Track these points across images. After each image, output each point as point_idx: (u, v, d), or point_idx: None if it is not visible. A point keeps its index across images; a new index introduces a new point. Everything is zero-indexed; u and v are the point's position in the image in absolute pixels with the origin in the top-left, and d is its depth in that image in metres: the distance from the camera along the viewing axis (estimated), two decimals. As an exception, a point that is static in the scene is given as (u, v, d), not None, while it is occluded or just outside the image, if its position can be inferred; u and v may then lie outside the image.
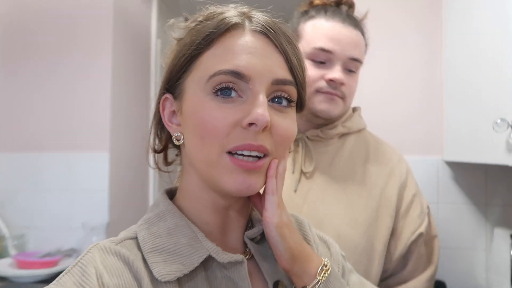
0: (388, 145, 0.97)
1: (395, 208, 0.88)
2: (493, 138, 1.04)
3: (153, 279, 0.47)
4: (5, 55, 1.80)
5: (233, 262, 0.49)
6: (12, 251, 1.70)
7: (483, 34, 1.19)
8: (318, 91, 0.86)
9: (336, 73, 0.85)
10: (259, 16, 0.50)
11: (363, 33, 0.90)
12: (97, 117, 1.77)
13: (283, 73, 0.49)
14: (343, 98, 0.88)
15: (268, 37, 0.49)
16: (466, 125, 1.31)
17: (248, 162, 0.47)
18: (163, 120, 0.54)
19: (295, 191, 0.87)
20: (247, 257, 0.54)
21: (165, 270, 0.46)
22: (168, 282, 0.46)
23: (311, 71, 0.86)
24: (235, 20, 0.49)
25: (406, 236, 0.88)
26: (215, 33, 0.48)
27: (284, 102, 0.50)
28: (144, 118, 2.22)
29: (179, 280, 0.47)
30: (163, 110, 0.53)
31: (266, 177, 0.49)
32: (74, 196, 1.74)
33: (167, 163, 0.59)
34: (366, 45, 0.92)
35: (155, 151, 0.57)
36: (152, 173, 2.26)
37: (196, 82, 0.49)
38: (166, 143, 0.57)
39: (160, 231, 0.50)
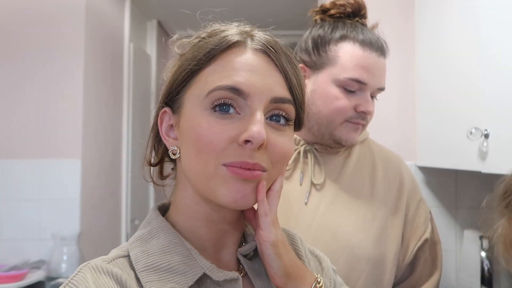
0: (391, 152, 0.98)
1: (403, 216, 0.89)
2: (466, 146, 1.08)
3: None
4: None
5: (228, 280, 0.49)
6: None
7: (453, 46, 1.24)
8: (348, 120, 0.84)
9: (370, 106, 0.83)
10: (260, 35, 0.51)
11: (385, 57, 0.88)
12: (68, 123, 1.71)
13: (282, 91, 0.49)
14: (365, 126, 0.88)
15: (268, 56, 0.50)
16: (438, 133, 1.36)
17: (245, 170, 0.46)
18: (160, 133, 0.53)
19: (306, 203, 0.85)
20: (242, 274, 0.53)
21: None
22: None
23: (342, 100, 0.82)
24: (236, 38, 0.50)
25: (413, 243, 0.89)
26: (216, 50, 0.49)
27: (282, 121, 0.50)
28: (116, 125, 2.17)
29: None
30: (161, 123, 0.53)
31: (257, 200, 0.49)
32: (44, 205, 1.68)
33: (162, 177, 0.58)
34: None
35: (151, 165, 0.57)
36: (124, 182, 2.21)
37: (195, 97, 0.49)
38: (162, 156, 0.56)
39: (153, 249, 0.49)
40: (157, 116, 0.54)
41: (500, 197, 0.61)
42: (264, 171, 0.48)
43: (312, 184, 0.87)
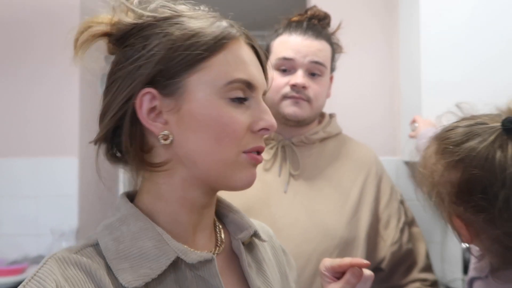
0: (363, 146, 1.08)
1: (374, 201, 0.99)
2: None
3: (119, 286, 0.45)
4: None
5: (202, 261, 0.49)
6: (-24, 260, 1.65)
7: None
8: (285, 96, 0.95)
9: (297, 78, 0.94)
10: (243, 30, 0.53)
11: (328, 41, 0.99)
12: (65, 122, 1.75)
13: (266, 83, 0.55)
14: (308, 101, 0.96)
15: (255, 50, 0.54)
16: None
17: (258, 155, 0.52)
18: (139, 115, 0.48)
19: (285, 192, 0.95)
20: (216, 253, 0.54)
21: (132, 277, 0.45)
22: None
23: (277, 79, 0.95)
24: (233, 31, 0.51)
25: (393, 225, 0.98)
26: (226, 38, 0.49)
27: None
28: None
29: (147, 285, 0.46)
30: (141, 105, 0.48)
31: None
32: (43, 202, 1.72)
33: (153, 165, 0.51)
34: (333, 51, 1.01)
35: (105, 141, 0.52)
36: (121, 178, 2.25)
37: (208, 84, 0.48)
38: (140, 142, 0.51)
39: (123, 236, 0.48)
40: (129, 98, 0.48)
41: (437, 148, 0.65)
42: None
43: (290, 174, 0.96)
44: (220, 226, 0.59)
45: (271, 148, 0.99)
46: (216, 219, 0.59)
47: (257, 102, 0.52)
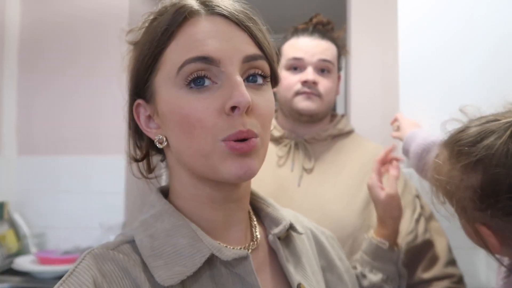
0: (376, 144, 1.12)
1: None
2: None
3: (154, 284, 0.45)
4: (25, 63, 1.90)
5: (237, 259, 0.48)
6: (33, 249, 1.78)
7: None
8: (297, 93, 1.01)
9: (308, 75, 1.00)
10: (213, 0, 0.48)
11: (333, 42, 1.06)
12: (113, 121, 1.85)
13: (252, 49, 0.47)
14: (319, 95, 1.02)
15: (227, 18, 0.47)
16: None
17: (243, 144, 0.45)
18: (140, 127, 0.51)
19: (299, 185, 1.00)
20: (250, 250, 0.52)
21: (167, 274, 0.44)
22: (172, 286, 0.44)
23: (288, 78, 1.02)
24: (189, 8, 0.47)
25: (408, 215, 0.98)
26: (173, 25, 0.46)
27: (260, 80, 0.48)
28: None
29: (183, 283, 0.45)
30: (138, 117, 0.51)
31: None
32: (92, 198, 1.82)
33: (150, 170, 0.56)
34: (339, 51, 1.07)
35: (137, 160, 0.55)
36: (165, 175, 2.34)
37: (165, 79, 0.46)
38: (147, 150, 0.54)
39: (158, 233, 0.48)
40: (131, 110, 0.51)
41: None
42: (256, 137, 0.46)
43: (303, 169, 1.01)
44: (256, 221, 0.57)
45: (285, 145, 1.05)
46: (252, 212, 0.58)
47: (227, 76, 0.45)
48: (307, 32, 1.05)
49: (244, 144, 0.45)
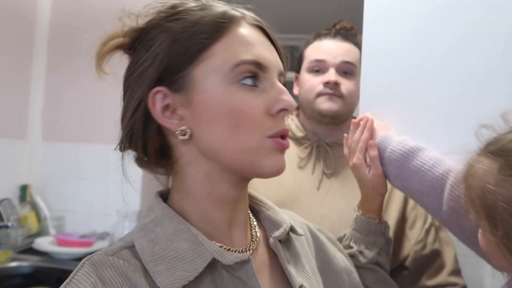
0: None
1: (402, 201, 1.00)
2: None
3: None
4: (55, 51, 1.98)
5: (239, 262, 0.47)
6: (52, 231, 1.86)
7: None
8: (319, 94, 1.01)
9: (330, 76, 1.00)
10: (247, 12, 0.52)
11: (357, 45, 1.05)
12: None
13: (281, 65, 0.53)
14: (341, 97, 1.01)
15: (263, 30, 0.52)
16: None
17: (285, 141, 0.49)
18: (154, 116, 0.49)
19: (318, 189, 1.01)
20: (251, 248, 0.53)
21: (169, 279, 0.44)
22: None
23: (311, 80, 1.02)
24: (234, 13, 0.50)
25: (419, 225, 0.99)
26: (224, 23, 0.48)
27: None
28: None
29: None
30: (154, 105, 0.48)
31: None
32: (110, 185, 1.88)
33: (165, 163, 0.53)
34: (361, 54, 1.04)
35: (146, 154, 0.52)
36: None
37: (214, 72, 0.47)
38: (158, 141, 0.51)
39: (158, 238, 0.47)
40: (141, 99, 0.48)
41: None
42: None
43: (323, 173, 1.02)
44: (255, 222, 0.58)
45: (306, 147, 1.05)
46: (250, 214, 0.58)
47: (271, 83, 0.49)
48: (330, 35, 1.05)
49: (285, 141, 0.50)
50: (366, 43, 0.84)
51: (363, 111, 0.84)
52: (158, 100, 0.48)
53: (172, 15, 0.49)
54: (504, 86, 0.72)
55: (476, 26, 0.75)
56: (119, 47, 0.53)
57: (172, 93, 0.48)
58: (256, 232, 0.56)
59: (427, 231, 0.99)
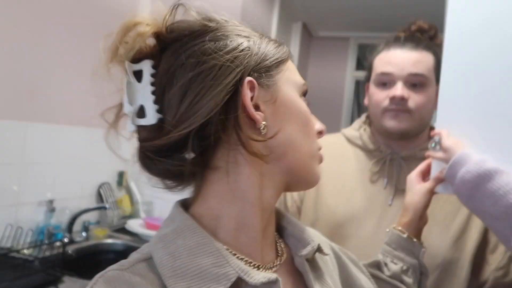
0: None
1: (481, 224, 0.92)
2: None
3: None
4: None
5: (265, 283, 0.44)
6: (142, 214, 2.06)
7: None
8: (385, 110, 0.94)
9: (396, 90, 0.92)
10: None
11: (431, 51, 0.95)
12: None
13: None
14: (409, 112, 0.93)
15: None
16: None
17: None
18: (246, 106, 0.45)
19: (390, 205, 0.96)
20: (277, 266, 0.51)
21: None
22: None
23: (378, 94, 0.96)
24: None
25: (502, 250, 0.92)
26: (288, 54, 0.54)
27: None
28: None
29: None
30: (245, 93, 0.45)
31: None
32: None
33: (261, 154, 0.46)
34: (438, 61, 0.94)
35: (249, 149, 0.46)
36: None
37: (291, 82, 0.52)
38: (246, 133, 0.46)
39: (179, 251, 0.43)
40: (230, 83, 0.44)
41: None
42: None
43: (397, 188, 0.96)
44: (279, 237, 0.56)
45: (378, 161, 0.99)
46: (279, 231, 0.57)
47: (308, 107, 0.55)
48: (399, 44, 0.97)
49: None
50: (448, 44, 0.78)
51: (440, 124, 0.80)
52: (247, 91, 0.45)
53: (269, 38, 0.53)
54: None
55: None
56: (153, 34, 0.47)
57: (259, 87, 0.47)
58: (282, 248, 0.54)
59: (510, 258, 0.91)
